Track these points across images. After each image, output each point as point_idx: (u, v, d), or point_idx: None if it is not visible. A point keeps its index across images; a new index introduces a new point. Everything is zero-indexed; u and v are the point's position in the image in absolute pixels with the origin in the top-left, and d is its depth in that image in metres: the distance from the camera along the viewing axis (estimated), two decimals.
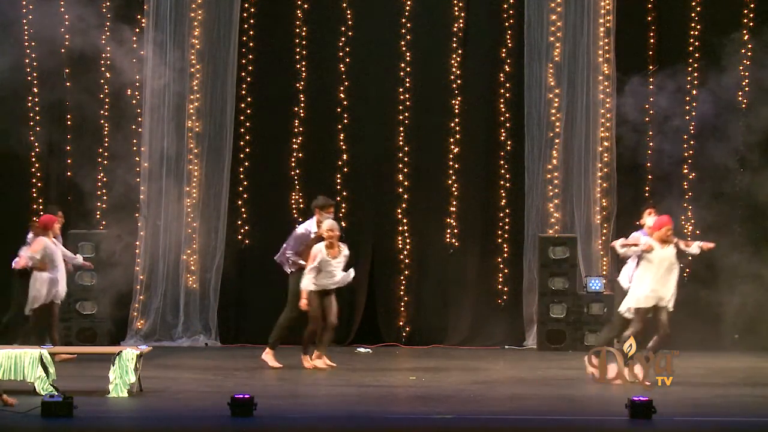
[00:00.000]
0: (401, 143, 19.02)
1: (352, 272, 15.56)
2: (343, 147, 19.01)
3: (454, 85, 19.04)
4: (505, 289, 18.91)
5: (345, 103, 19.03)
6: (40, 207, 18.69)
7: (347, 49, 19.03)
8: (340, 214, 18.89)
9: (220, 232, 18.71)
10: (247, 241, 18.96)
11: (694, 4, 18.76)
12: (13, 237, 18.48)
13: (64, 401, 10.92)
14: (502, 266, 18.94)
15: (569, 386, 13.95)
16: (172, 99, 18.55)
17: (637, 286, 14.22)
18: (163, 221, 18.52)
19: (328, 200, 15.97)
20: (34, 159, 18.76)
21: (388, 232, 18.99)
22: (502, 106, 19.02)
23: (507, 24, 18.97)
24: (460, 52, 19.05)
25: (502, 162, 19.00)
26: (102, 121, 18.72)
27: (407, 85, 19.03)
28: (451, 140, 19.02)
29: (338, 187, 18.95)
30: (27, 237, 16.48)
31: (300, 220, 18.87)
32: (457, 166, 19.02)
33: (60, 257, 16.06)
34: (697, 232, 18.56)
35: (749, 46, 18.51)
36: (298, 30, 19.02)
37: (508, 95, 19.01)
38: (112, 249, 18.09)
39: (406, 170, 19.02)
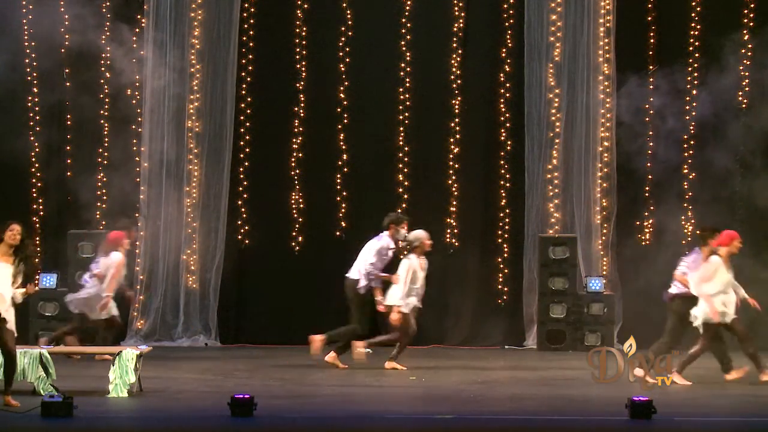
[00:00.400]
0: (401, 143, 19.02)
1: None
2: (343, 147, 19.01)
3: (454, 85, 19.04)
4: (505, 289, 18.91)
5: (345, 103, 19.03)
6: (40, 207, 18.71)
7: (347, 49, 19.03)
8: (340, 214, 18.92)
9: (220, 232, 18.71)
10: (247, 241, 18.96)
11: (694, 4, 18.76)
12: None
13: (64, 401, 10.92)
14: (502, 266, 18.94)
15: (569, 386, 13.95)
16: (172, 99, 18.55)
17: (708, 301, 14.13)
18: (163, 221, 18.51)
19: (402, 216, 16.10)
20: (33, 159, 18.76)
21: None
22: (502, 106, 19.02)
23: (507, 24, 18.97)
24: (460, 52, 19.05)
25: (502, 162, 19.00)
26: (102, 122, 18.73)
27: (407, 85, 19.03)
28: (451, 140, 19.02)
29: (338, 187, 18.96)
30: (96, 255, 16.68)
31: (300, 220, 18.91)
32: (457, 166, 19.02)
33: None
34: (698, 232, 18.55)
35: (749, 46, 18.51)
36: (298, 30, 19.02)
37: (508, 95, 19.01)
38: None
39: (406, 170, 19.02)
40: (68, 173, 18.75)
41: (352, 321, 15.60)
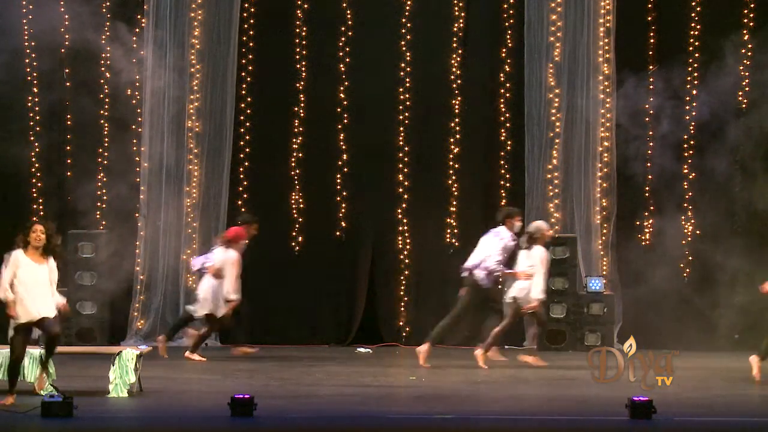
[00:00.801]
0: (401, 143, 19.02)
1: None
2: (343, 147, 19.01)
3: (454, 85, 19.04)
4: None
5: (345, 103, 19.03)
6: (40, 207, 18.69)
7: (347, 49, 19.04)
8: (340, 214, 18.92)
9: (220, 232, 18.68)
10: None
11: (694, 4, 18.76)
12: (13, 236, 18.50)
13: (64, 401, 10.91)
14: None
15: (569, 386, 13.95)
16: (172, 99, 18.55)
17: None
18: (162, 221, 18.51)
19: (515, 209, 16.23)
20: (33, 159, 18.75)
21: (388, 232, 18.99)
22: (502, 106, 19.02)
23: (507, 24, 18.97)
24: (460, 52, 19.05)
25: (502, 162, 19.00)
26: (102, 121, 18.72)
27: (407, 85, 19.03)
28: (451, 140, 19.02)
29: (338, 187, 18.96)
30: (213, 246, 16.88)
31: (300, 220, 18.89)
32: (457, 166, 19.02)
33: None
34: (698, 232, 18.58)
35: (749, 46, 18.51)
36: (298, 30, 19.03)
37: (508, 95, 19.01)
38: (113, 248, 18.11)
39: (406, 170, 19.02)
40: (68, 173, 18.74)
41: (454, 314, 15.73)
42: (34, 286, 11.71)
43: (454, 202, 19.02)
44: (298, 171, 19.02)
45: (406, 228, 19.01)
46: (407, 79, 19.04)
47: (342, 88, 19.03)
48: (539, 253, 15.52)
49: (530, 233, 15.65)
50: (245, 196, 18.99)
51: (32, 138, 18.70)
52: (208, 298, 16.44)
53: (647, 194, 18.73)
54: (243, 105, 18.96)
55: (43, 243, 11.80)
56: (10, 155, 18.17)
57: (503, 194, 18.97)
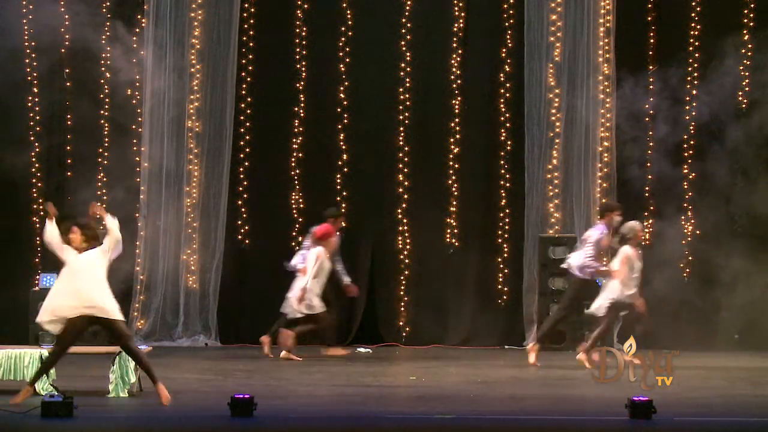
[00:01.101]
0: (401, 143, 19.02)
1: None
2: (343, 147, 19.01)
3: (454, 85, 19.04)
4: (505, 289, 18.91)
5: (345, 103, 19.03)
6: (40, 207, 18.69)
7: (347, 49, 19.04)
8: None
9: (220, 232, 18.71)
10: (247, 241, 18.96)
11: (694, 4, 18.76)
12: (13, 235, 18.53)
13: (64, 401, 10.91)
14: (502, 266, 18.94)
15: (569, 386, 13.95)
16: (172, 99, 18.54)
17: None
18: (162, 221, 18.51)
19: (616, 203, 16.21)
20: (33, 159, 18.75)
21: (388, 232, 18.99)
22: (502, 106, 19.02)
23: (507, 24, 18.97)
24: (460, 52, 19.05)
25: (502, 162, 19.00)
26: (102, 121, 18.72)
27: (407, 85, 19.03)
28: (451, 140, 19.03)
29: (338, 187, 18.96)
30: (303, 245, 17.02)
31: (300, 220, 18.88)
32: (457, 166, 19.02)
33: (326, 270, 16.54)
34: (698, 232, 18.58)
35: (749, 46, 18.51)
36: (298, 30, 19.03)
37: (508, 95, 19.01)
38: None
39: (406, 170, 19.03)
40: (68, 173, 18.74)
41: (561, 306, 15.83)
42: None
43: (454, 202, 19.02)
44: (298, 171, 19.02)
45: (406, 228, 19.01)
46: (407, 79, 19.04)
47: (342, 88, 19.03)
48: (625, 253, 15.41)
49: (623, 234, 15.58)
50: (245, 196, 18.99)
51: (32, 138, 18.70)
52: (302, 297, 16.39)
53: (647, 194, 18.73)
54: (243, 105, 18.96)
55: (80, 245, 11.98)
56: (10, 155, 18.17)
57: (503, 194, 18.97)
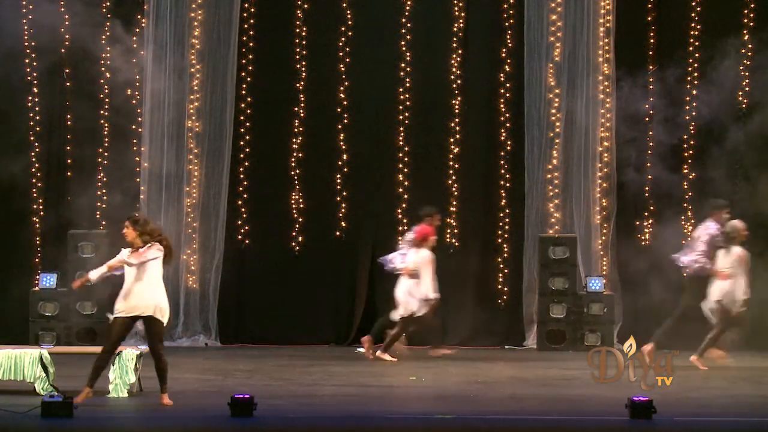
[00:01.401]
0: (401, 143, 19.02)
1: None
2: (343, 147, 19.00)
3: (454, 85, 19.03)
4: (505, 289, 18.91)
5: (345, 103, 19.03)
6: (40, 207, 18.69)
7: (347, 49, 19.03)
8: (340, 214, 18.91)
9: (220, 232, 18.71)
10: (247, 241, 18.95)
11: (694, 4, 18.76)
12: (13, 235, 18.53)
13: (64, 401, 10.92)
14: (502, 266, 18.94)
15: (569, 386, 13.95)
16: (172, 99, 18.54)
17: None
18: (162, 221, 18.50)
19: (721, 201, 16.25)
20: (33, 159, 18.75)
21: (388, 232, 18.97)
22: (502, 106, 19.02)
23: (507, 24, 18.97)
24: (460, 52, 19.05)
25: (502, 162, 18.99)
26: (102, 122, 18.72)
27: (407, 85, 19.03)
28: (451, 140, 19.02)
29: (338, 187, 18.95)
30: (400, 247, 17.12)
31: (300, 220, 18.88)
32: (457, 166, 19.02)
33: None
34: None
35: (749, 46, 18.51)
36: (298, 30, 19.02)
37: (508, 95, 19.01)
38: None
39: (406, 170, 19.02)
40: (68, 173, 18.74)
41: (682, 304, 15.95)
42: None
43: (454, 202, 19.01)
44: (298, 171, 19.01)
45: (406, 228, 18.98)
46: (407, 79, 19.03)
47: (342, 88, 19.02)
48: (737, 253, 15.43)
49: (727, 233, 15.55)
50: (245, 196, 18.99)
51: (32, 138, 18.69)
52: (407, 299, 16.41)
53: (647, 194, 18.72)
54: (243, 105, 18.95)
55: (135, 241, 12.14)
56: (10, 155, 18.17)
57: (503, 194, 18.96)
